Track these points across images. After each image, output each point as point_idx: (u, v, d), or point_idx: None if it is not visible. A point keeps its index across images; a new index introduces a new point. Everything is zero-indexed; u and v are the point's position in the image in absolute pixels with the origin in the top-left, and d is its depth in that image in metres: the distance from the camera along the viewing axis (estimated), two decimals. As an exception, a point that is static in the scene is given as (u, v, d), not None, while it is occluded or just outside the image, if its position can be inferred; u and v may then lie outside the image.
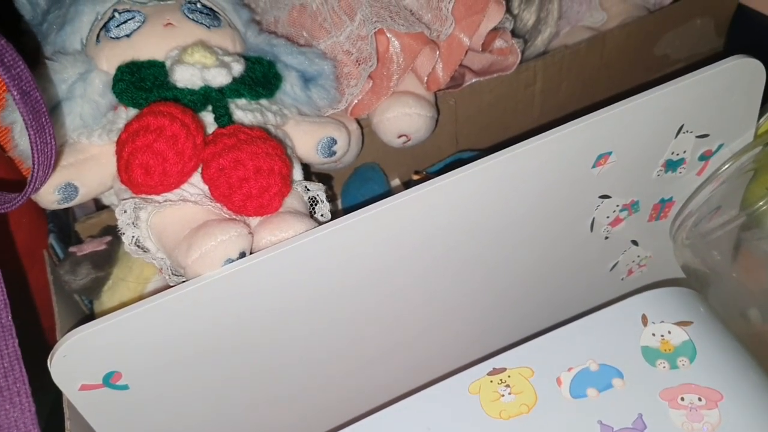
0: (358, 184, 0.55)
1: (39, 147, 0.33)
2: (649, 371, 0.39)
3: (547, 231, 0.45)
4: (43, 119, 0.33)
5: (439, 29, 0.49)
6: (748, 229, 0.46)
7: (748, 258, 0.47)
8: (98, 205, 0.50)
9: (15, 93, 0.31)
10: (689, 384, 0.39)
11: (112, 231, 0.47)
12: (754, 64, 0.44)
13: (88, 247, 0.46)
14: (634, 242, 0.50)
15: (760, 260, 0.47)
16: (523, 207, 0.43)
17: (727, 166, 0.46)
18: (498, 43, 0.52)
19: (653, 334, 0.41)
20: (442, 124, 0.54)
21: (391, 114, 0.50)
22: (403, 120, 0.49)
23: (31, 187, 0.35)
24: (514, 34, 0.54)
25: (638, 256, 0.51)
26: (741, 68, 0.44)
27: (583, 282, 0.51)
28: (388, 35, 0.49)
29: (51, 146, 0.34)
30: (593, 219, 0.47)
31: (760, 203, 0.45)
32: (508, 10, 0.55)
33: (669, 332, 0.41)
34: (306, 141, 0.47)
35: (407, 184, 0.57)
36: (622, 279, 0.52)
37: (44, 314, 0.49)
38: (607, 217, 0.47)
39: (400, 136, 0.50)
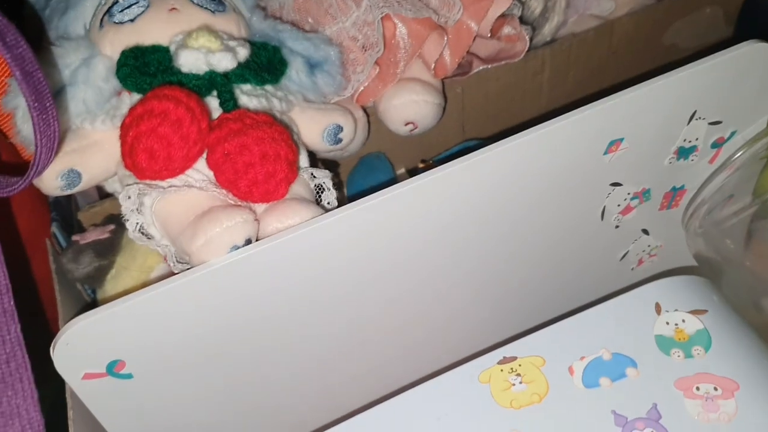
0: (363, 173, 0.54)
1: (42, 129, 0.32)
2: (663, 360, 0.39)
3: (556, 219, 0.45)
4: (46, 101, 0.32)
5: (447, 15, 0.48)
6: (761, 218, 0.46)
7: (761, 246, 0.47)
8: (101, 194, 0.50)
9: (18, 73, 0.30)
10: (705, 373, 0.38)
11: (115, 219, 0.46)
12: (766, 50, 0.43)
13: (91, 236, 0.45)
14: (645, 231, 0.50)
15: (771, 250, 0.47)
16: (532, 195, 0.43)
17: (740, 154, 0.45)
18: (506, 29, 0.52)
19: (667, 323, 0.40)
20: (449, 113, 0.54)
21: (398, 101, 0.49)
22: (411, 107, 0.49)
23: (34, 170, 0.35)
24: (522, 21, 0.54)
25: (649, 246, 0.51)
26: (754, 54, 0.43)
27: (593, 271, 0.50)
28: (395, 21, 0.48)
29: (54, 129, 0.33)
30: (604, 207, 0.46)
31: (774, 191, 0.44)
32: (515, -1, 0.54)
33: (683, 321, 0.40)
34: (312, 128, 0.46)
35: (413, 173, 0.56)
36: (632, 269, 0.52)
37: (47, 304, 0.48)
38: (618, 205, 0.46)
39: (407, 124, 0.50)
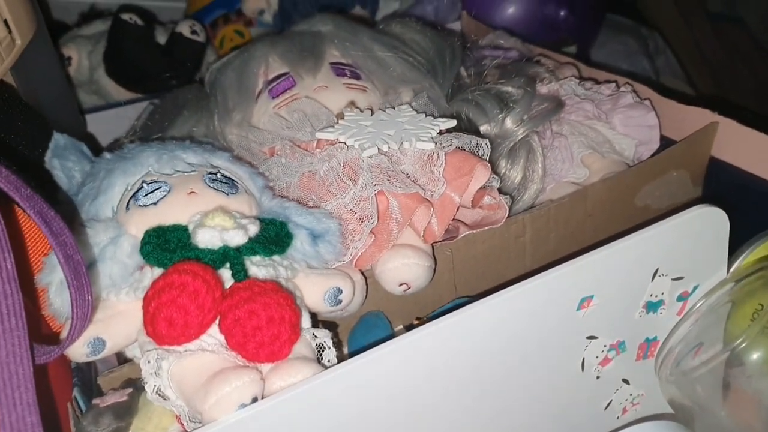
0: (363, 331, 0.57)
1: (78, 303, 0.37)
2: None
3: (540, 371, 0.48)
4: (83, 279, 0.37)
5: (432, 189, 0.54)
6: (734, 366, 0.48)
7: (739, 394, 0.49)
8: (119, 360, 0.53)
9: (61, 257, 0.36)
10: None
11: (132, 384, 0.50)
12: (717, 213, 0.48)
13: (111, 399, 0.48)
14: (626, 381, 0.52)
15: (750, 397, 0.49)
16: (516, 349, 0.46)
17: (700, 304, 0.49)
18: (487, 199, 0.57)
19: (642, 469, 0.42)
20: (441, 273, 0.57)
21: (391, 264, 0.53)
22: (403, 269, 0.53)
23: (69, 339, 0.39)
24: (502, 191, 0.59)
25: (630, 395, 0.53)
26: (705, 216, 0.47)
27: (580, 421, 0.52)
28: (387, 196, 0.53)
29: (88, 303, 0.38)
30: (583, 359, 0.49)
31: (739, 340, 0.47)
32: (495, 171, 0.60)
33: (658, 467, 0.42)
34: (314, 291, 0.50)
35: (410, 329, 0.59)
36: (618, 417, 0.54)
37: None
38: (596, 357, 0.49)
39: (401, 285, 0.53)
